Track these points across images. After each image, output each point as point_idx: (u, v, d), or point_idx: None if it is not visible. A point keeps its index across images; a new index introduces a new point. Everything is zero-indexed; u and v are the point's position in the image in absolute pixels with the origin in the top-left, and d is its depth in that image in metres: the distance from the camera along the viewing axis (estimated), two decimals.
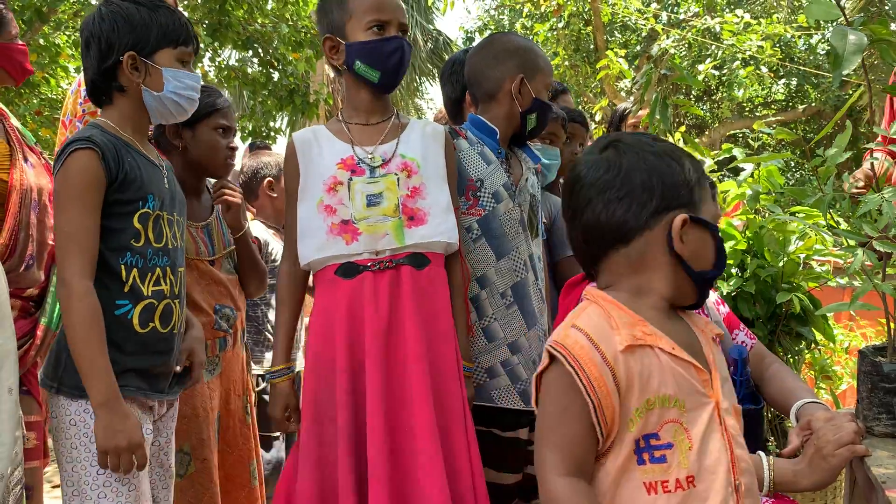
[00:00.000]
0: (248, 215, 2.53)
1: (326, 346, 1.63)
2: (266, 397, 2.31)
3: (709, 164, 2.46)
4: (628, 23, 9.74)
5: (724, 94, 9.83)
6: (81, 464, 1.49)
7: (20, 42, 2.01)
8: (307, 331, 1.75)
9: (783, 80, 11.31)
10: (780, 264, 2.24)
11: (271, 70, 6.78)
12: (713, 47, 8.02)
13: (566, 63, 9.63)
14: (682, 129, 3.08)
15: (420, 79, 16.06)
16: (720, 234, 1.10)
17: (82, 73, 1.78)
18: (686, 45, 8.16)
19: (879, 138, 2.35)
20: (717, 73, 8.53)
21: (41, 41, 6.39)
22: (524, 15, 10.20)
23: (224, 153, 1.99)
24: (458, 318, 1.72)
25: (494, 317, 1.80)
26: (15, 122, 1.97)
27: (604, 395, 0.98)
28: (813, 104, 10.90)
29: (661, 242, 1.05)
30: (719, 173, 2.56)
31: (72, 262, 1.45)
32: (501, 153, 1.86)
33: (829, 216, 1.53)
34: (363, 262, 1.63)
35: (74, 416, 1.50)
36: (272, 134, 7.40)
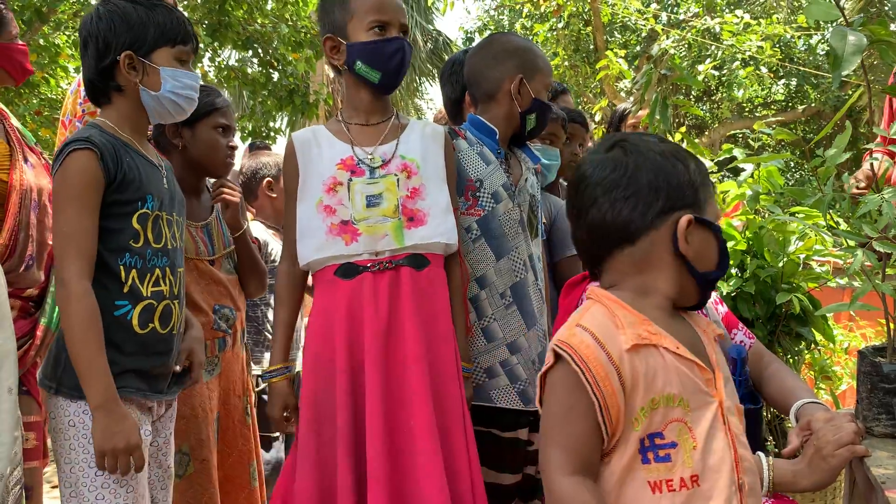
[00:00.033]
0: (248, 215, 2.53)
1: (326, 347, 1.63)
2: (266, 397, 2.31)
3: (708, 164, 2.46)
4: (628, 23, 9.74)
5: (724, 95, 9.83)
6: (79, 465, 1.49)
7: (20, 42, 2.01)
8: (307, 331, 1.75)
9: (783, 81, 11.31)
10: (780, 265, 2.24)
11: (271, 70, 6.78)
12: (713, 48, 8.02)
13: (566, 63, 9.63)
14: (683, 129, 3.08)
15: (420, 79, 16.06)
16: (722, 232, 1.10)
17: (82, 73, 1.78)
18: (686, 46, 8.16)
19: (879, 139, 2.35)
20: (716, 73, 8.53)
21: (41, 41, 6.39)
22: (524, 15, 10.21)
23: (224, 152, 1.99)
24: (457, 318, 1.72)
25: (494, 317, 1.80)
26: (15, 122, 1.97)
27: (609, 395, 0.98)
28: (813, 104, 10.91)
29: (666, 242, 1.05)
30: (719, 174, 2.56)
31: (70, 263, 1.45)
32: (501, 153, 1.86)
33: (828, 217, 1.53)
34: (363, 263, 1.63)
35: (73, 417, 1.50)
36: (272, 134, 7.40)
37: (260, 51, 6.68)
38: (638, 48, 11.14)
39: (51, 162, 1.82)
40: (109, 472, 1.45)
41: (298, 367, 2.49)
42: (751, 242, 2.29)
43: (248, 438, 2.06)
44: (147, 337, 1.55)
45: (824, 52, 9.74)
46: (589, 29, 9.31)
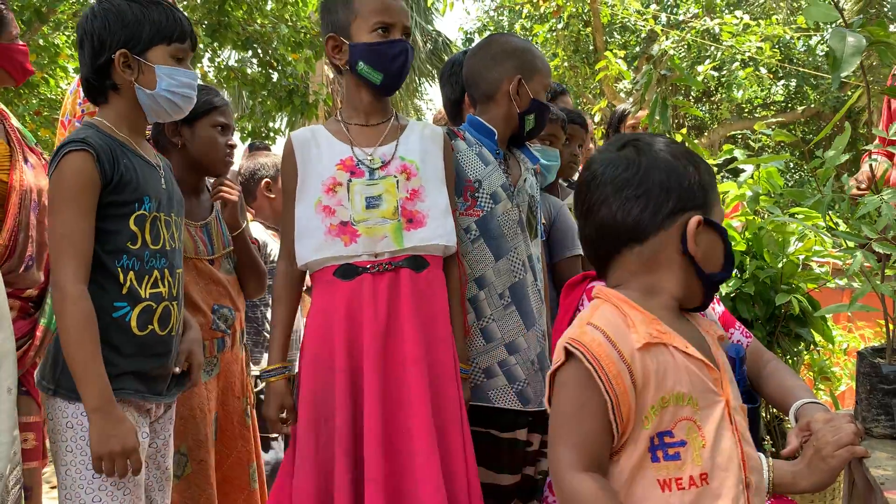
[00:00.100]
0: (248, 216, 2.53)
1: (324, 347, 1.62)
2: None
3: None
4: (627, 24, 9.75)
5: (724, 96, 9.84)
6: (77, 467, 1.48)
7: (20, 42, 2.01)
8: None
9: (782, 82, 11.32)
10: (780, 265, 2.24)
11: (270, 70, 6.78)
12: (712, 48, 8.03)
13: (565, 64, 9.64)
14: (684, 131, 3.08)
15: (419, 80, 16.06)
16: (727, 234, 1.11)
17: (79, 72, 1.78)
18: (685, 47, 8.17)
19: (877, 140, 2.35)
20: (716, 74, 8.54)
21: (40, 41, 6.39)
22: (523, 16, 10.22)
23: (223, 151, 1.99)
24: (455, 319, 1.72)
25: (492, 317, 1.80)
26: (15, 122, 1.97)
27: (621, 393, 0.98)
28: (812, 105, 10.92)
29: (674, 243, 1.06)
30: (719, 175, 2.56)
31: (66, 265, 1.44)
32: (500, 154, 1.87)
33: (828, 218, 1.53)
34: (362, 264, 1.63)
35: (71, 419, 1.49)
36: (271, 134, 7.41)
37: (259, 51, 6.68)
38: (637, 49, 11.15)
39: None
40: (107, 475, 1.45)
41: (297, 367, 2.49)
42: (750, 243, 2.29)
43: (248, 440, 2.05)
44: (146, 338, 1.54)
45: (824, 53, 9.76)
46: (588, 30, 9.32)
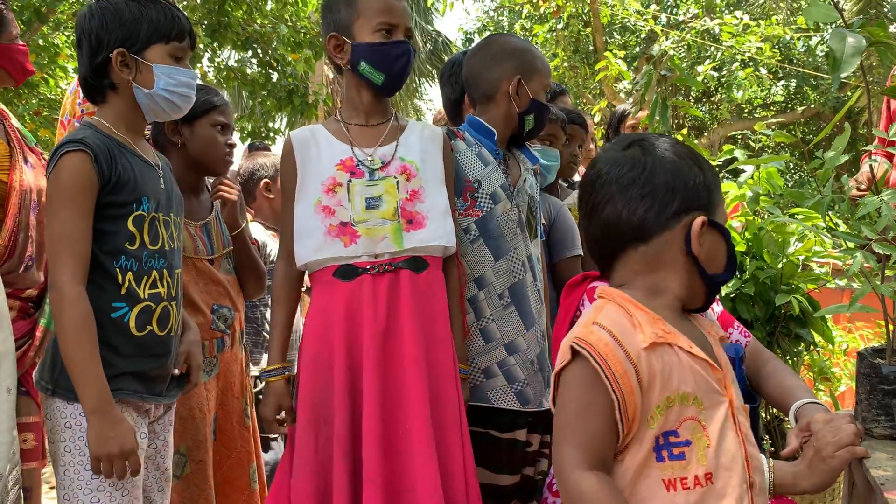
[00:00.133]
0: (248, 216, 2.53)
1: (324, 348, 1.62)
2: None
3: None
4: (627, 24, 9.75)
5: (724, 96, 9.84)
6: (75, 467, 1.48)
7: (20, 42, 2.01)
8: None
9: (782, 82, 11.33)
10: (779, 266, 2.24)
11: (270, 71, 6.78)
12: (712, 49, 8.03)
13: (565, 64, 9.64)
14: (684, 131, 3.08)
15: (419, 80, 16.07)
16: (730, 235, 1.11)
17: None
18: (685, 47, 8.17)
19: (877, 140, 2.35)
20: (716, 74, 8.54)
21: (40, 41, 6.39)
22: (523, 16, 10.22)
23: (222, 149, 2.00)
24: (455, 319, 1.72)
25: (492, 317, 1.80)
26: (15, 122, 1.97)
27: (628, 392, 0.98)
28: (812, 106, 10.93)
29: (679, 243, 1.06)
30: (720, 175, 2.56)
31: (63, 266, 1.43)
32: (499, 154, 1.87)
33: (827, 218, 1.53)
34: (362, 265, 1.63)
35: (70, 419, 1.49)
36: (271, 135, 7.41)
37: (259, 51, 6.69)
38: (637, 49, 11.16)
39: None
40: (105, 476, 1.44)
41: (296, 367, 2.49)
42: (750, 244, 2.29)
43: (248, 440, 2.05)
44: (144, 339, 1.54)
45: (823, 54, 9.76)
46: (588, 30, 9.32)
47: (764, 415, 2.37)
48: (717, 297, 1.75)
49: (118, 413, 1.45)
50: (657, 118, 2.26)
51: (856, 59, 1.31)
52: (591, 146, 3.36)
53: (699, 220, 1.05)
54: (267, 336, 2.63)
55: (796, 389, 1.35)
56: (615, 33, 11.37)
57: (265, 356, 2.54)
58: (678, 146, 1.10)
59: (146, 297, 1.54)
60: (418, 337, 1.61)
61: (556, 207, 2.23)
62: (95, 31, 1.52)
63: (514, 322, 1.80)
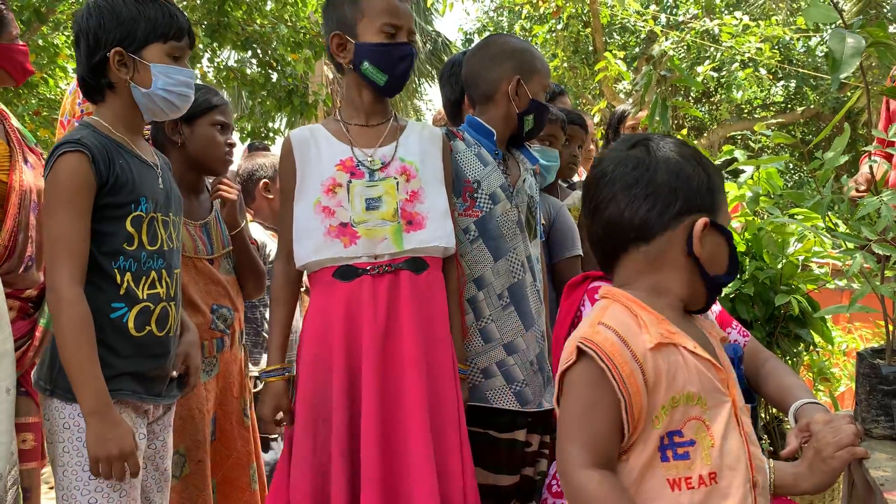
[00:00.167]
0: (248, 216, 2.53)
1: (323, 348, 1.62)
2: None
3: None
4: (627, 25, 9.76)
5: (723, 96, 9.85)
6: (73, 468, 1.47)
7: (20, 42, 2.01)
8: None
9: (782, 83, 11.33)
10: (779, 266, 2.24)
11: (270, 71, 6.79)
12: (712, 49, 8.03)
13: (565, 65, 9.65)
14: (684, 131, 3.09)
15: (419, 80, 16.07)
16: (732, 238, 1.11)
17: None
18: (685, 47, 8.17)
19: (876, 141, 2.36)
20: (715, 74, 8.55)
21: (40, 41, 6.39)
22: (523, 16, 10.22)
23: (222, 149, 2.00)
24: (454, 320, 1.72)
25: (491, 318, 1.80)
26: (15, 122, 1.97)
27: (634, 392, 0.99)
28: (811, 106, 10.93)
29: (680, 244, 1.06)
30: None
31: (61, 268, 1.43)
32: (499, 154, 1.86)
33: (827, 219, 1.53)
34: (362, 266, 1.63)
35: (68, 420, 1.48)
36: (271, 135, 7.41)
37: (259, 51, 6.69)
38: (637, 50, 11.16)
39: None
40: (104, 478, 1.44)
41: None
42: (750, 244, 2.29)
43: (248, 440, 2.05)
44: (143, 339, 1.53)
45: (823, 54, 9.77)
46: (588, 30, 9.32)
47: (763, 415, 2.37)
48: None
49: (117, 415, 1.45)
50: (657, 119, 2.26)
51: (855, 60, 1.31)
52: (591, 146, 3.37)
53: (701, 221, 1.05)
54: (266, 336, 2.62)
55: (795, 389, 1.36)
56: (615, 34, 11.37)
57: (265, 356, 2.54)
58: (683, 147, 1.11)
59: (145, 297, 1.53)
60: (418, 337, 1.61)
61: (555, 208, 2.23)
62: (93, 29, 1.51)
63: (513, 322, 1.80)
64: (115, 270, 1.50)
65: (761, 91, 11.55)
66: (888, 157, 2.38)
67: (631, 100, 4.13)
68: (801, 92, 11.34)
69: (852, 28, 1.36)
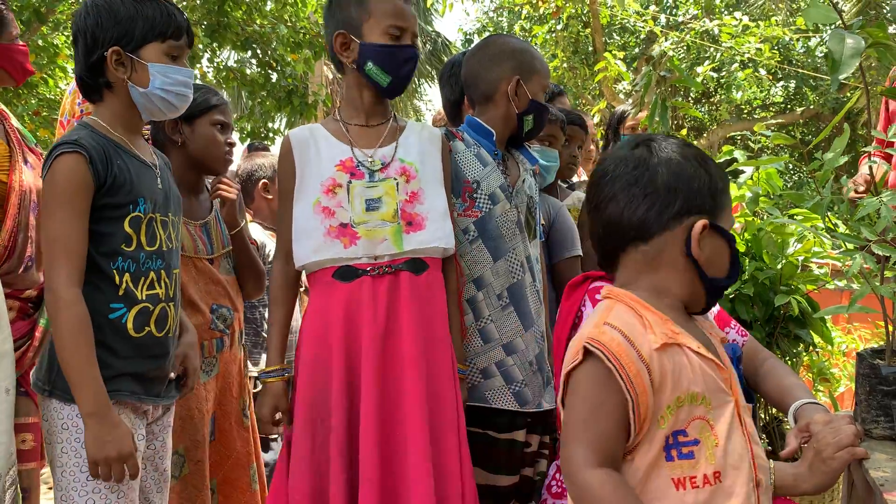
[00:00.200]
0: (247, 216, 2.53)
1: (321, 348, 1.62)
2: None
3: None
4: (627, 25, 9.76)
5: (723, 97, 9.85)
6: (70, 469, 1.47)
7: (20, 42, 2.01)
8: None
9: (781, 83, 11.33)
10: (779, 267, 2.24)
11: (270, 71, 6.79)
12: (711, 50, 8.03)
13: (564, 65, 9.65)
14: (683, 132, 3.09)
15: (419, 81, 16.08)
16: (735, 242, 1.11)
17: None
18: (684, 48, 8.17)
19: (875, 141, 2.36)
20: (715, 75, 8.55)
21: (39, 42, 6.39)
22: (523, 17, 10.22)
23: (222, 148, 2.00)
24: (453, 320, 1.72)
25: (490, 318, 1.80)
26: (15, 122, 1.97)
27: (641, 392, 0.99)
28: (811, 107, 10.93)
29: (679, 245, 1.07)
30: None
31: (59, 269, 1.42)
32: (498, 155, 1.87)
33: (827, 219, 1.53)
34: (362, 267, 1.63)
35: (67, 421, 1.48)
36: (270, 135, 7.41)
37: (259, 51, 6.69)
38: (637, 50, 11.16)
39: None
40: (103, 480, 1.44)
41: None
42: (749, 244, 2.29)
43: (247, 440, 2.05)
44: (142, 340, 1.53)
45: (823, 55, 9.77)
46: (588, 31, 9.32)
47: (763, 415, 2.38)
48: None
49: (116, 416, 1.45)
50: (656, 119, 2.26)
51: (855, 61, 1.31)
52: (592, 147, 3.37)
53: (700, 223, 1.05)
54: (266, 336, 2.62)
55: (795, 389, 1.36)
56: (614, 34, 11.37)
57: (264, 356, 2.54)
58: (687, 148, 1.11)
59: (144, 298, 1.53)
60: (417, 338, 1.61)
61: (555, 208, 2.23)
62: (90, 28, 1.50)
63: (512, 322, 1.80)
64: (114, 271, 1.50)
65: (761, 91, 11.56)
66: (887, 158, 2.38)
67: (630, 100, 4.13)
68: (801, 92, 11.34)
69: (852, 29, 1.36)
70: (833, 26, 1.39)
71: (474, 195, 1.82)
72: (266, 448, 2.57)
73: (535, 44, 9.06)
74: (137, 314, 1.52)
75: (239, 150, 3.08)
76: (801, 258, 2.27)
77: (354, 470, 1.57)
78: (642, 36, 10.78)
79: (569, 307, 1.49)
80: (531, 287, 1.85)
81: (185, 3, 6.09)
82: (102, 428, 1.41)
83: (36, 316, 1.95)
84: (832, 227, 1.58)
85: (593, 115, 7.11)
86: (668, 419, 1.01)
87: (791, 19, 9.20)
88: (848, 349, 3.04)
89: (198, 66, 6.66)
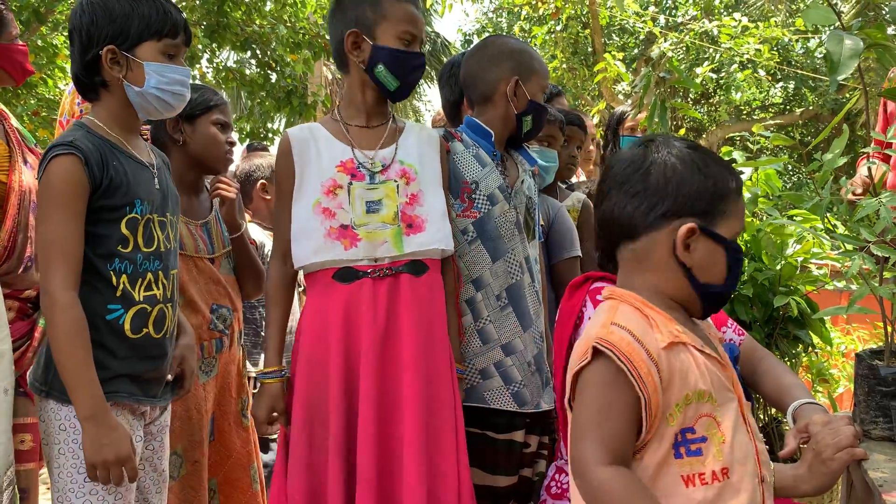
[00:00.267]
0: (246, 216, 2.53)
1: (319, 349, 1.62)
2: None
3: None
4: (626, 26, 9.77)
5: (722, 98, 9.86)
6: (67, 470, 1.46)
7: (20, 42, 2.01)
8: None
9: (780, 84, 11.34)
10: (778, 267, 2.25)
11: (269, 71, 6.79)
12: (711, 50, 8.03)
13: (564, 66, 9.65)
14: (682, 131, 3.09)
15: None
16: (738, 251, 1.10)
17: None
18: (684, 49, 8.18)
19: (874, 142, 2.36)
20: (714, 76, 8.55)
21: (39, 42, 6.39)
22: (522, 17, 10.22)
23: (223, 147, 1.99)
24: (450, 320, 1.72)
25: (489, 318, 1.80)
26: (15, 122, 1.97)
27: (652, 391, 1.00)
28: (810, 108, 10.94)
29: (666, 246, 1.07)
30: None
31: (55, 272, 1.41)
32: (497, 155, 1.86)
33: (826, 220, 1.53)
34: (362, 269, 1.62)
35: (64, 422, 1.47)
36: (269, 135, 7.41)
37: (258, 52, 6.69)
38: (636, 51, 11.16)
39: None
40: (102, 483, 1.43)
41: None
42: (749, 245, 2.29)
43: (247, 441, 2.05)
44: (140, 341, 1.52)
45: (822, 56, 9.77)
46: (587, 31, 9.33)
47: (762, 416, 2.38)
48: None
49: (113, 419, 1.44)
50: (655, 120, 2.27)
51: (853, 62, 1.31)
52: (591, 147, 3.37)
53: (685, 227, 1.05)
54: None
55: (793, 388, 1.36)
56: (614, 35, 11.38)
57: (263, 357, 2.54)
58: (691, 151, 1.10)
59: (141, 299, 1.52)
60: (417, 340, 1.61)
61: (554, 209, 2.23)
62: (86, 27, 1.49)
63: (511, 323, 1.80)
64: (111, 272, 1.49)
65: (760, 92, 11.56)
66: (886, 159, 2.38)
67: (630, 101, 4.13)
68: (800, 93, 11.35)
69: (851, 30, 1.36)
70: (832, 27, 1.39)
71: (473, 196, 1.81)
72: (265, 449, 2.57)
73: (535, 44, 9.07)
74: (135, 315, 1.51)
75: (238, 150, 3.08)
76: (800, 259, 2.27)
77: (352, 471, 1.57)
78: (641, 37, 10.78)
79: (570, 308, 1.48)
80: (530, 288, 1.85)
81: (184, 3, 6.09)
82: (100, 431, 1.41)
83: (35, 316, 1.94)
84: (831, 227, 1.59)
85: (593, 116, 7.12)
86: (676, 416, 1.02)
87: (790, 20, 9.21)
88: (847, 350, 3.04)
89: (197, 66, 6.66)
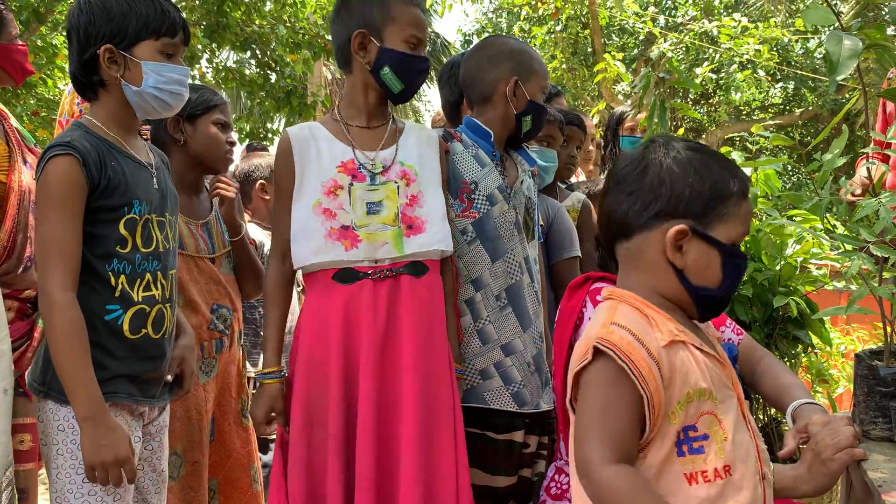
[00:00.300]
0: (246, 216, 2.52)
1: (319, 349, 1.62)
2: None
3: None
4: (626, 26, 9.77)
5: (722, 98, 9.86)
6: (66, 471, 1.46)
7: (20, 42, 2.01)
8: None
9: (780, 84, 11.35)
10: (778, 268, 2.25)
11: (269, 71, 6.79)
12: (710, 51, 8.04)
13: (563, 66, 9.65)
14: (681, 131, 3.09)
15: None
16: (736, 255, 1.09)
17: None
18: (683, 49, 8.18)
19: (873, 143, 2.36)
20: (714, 76, 8.56)
21: (38, 42, 6.39)
22: (522, 18, 10.22)
23: (224, 147, 2.00)
24: (449, 320, 1.72)
25: (489, 319, 1.80)
26: (15, 123, 1.97)
27: (654, 389, 1.00)
28: (810, 108, 10.95)
29: (658, 246, 1.08)
30: None
31: (53, 272, 1.41)
32: (496, 155, 1.86)
33: (826, 220, 1.53)
34: (363, 269, 1.62)
35: (63, 422, 1.47)
36: (269, 135, 7.41)
37: (258, 52, 6.69)
38: (636, 51, 11.17)
39: None
40: (100, 484, 1.43)
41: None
42: (748, 245, 2.29)
43: (247, 441, 2.04)
44: (139, 342, 1.51)
45: (822, 56, 9.78)
46: (587, 32, 9.33)
47: (761, 416, 2.38)
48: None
49: (112, 420, 1.43)
50: (655, 120, 2.26)
51: (853, 62, 1.31)
52: (591, 147, 3.37)
53: (675, 228, 1.05)
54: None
55: (792, 388, 1.36)
56: (613, 35, 11.38)
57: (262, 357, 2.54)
58: (691, 153, 1.10)
59: (140, 299, 1.51)
60: (417, 340, 1.61)
61: (553, 209, 2.23)
62: (83, 26, 1.48)
63: (510, 323, 1.80)
64: (109, 273, 1.48)
65: (760, 93, 11.57)
66: (885, 159, 2.38)
67: (629, 101, 4.13)
68: (800, 94, 11.36)
69: (850, 30, 1.36)
70: (831, 28, 1.40)
71: (472, 196, 1.81)
72: (265, 449, 2.57)
73: (534, 45, 9.07)
74: (133, 316, 1.51)
75: (238, 151, 3.08)
76: (799, 259, 2.27)
77: (351, 471, 1.57)
78: (641, 37, 10.79)
79: (570, 308, 1.48)
80: (529, 288, 1.85)
81: (183, 3, 6.09)
82: (98, 432, 1.40)
83: (34, 316, 1.94)
84: (831, 228, 1.59)
85: (592, 116, 7.12)
86: (678, 415, 1.02)
87: (790, 20, 9.21)
88: (846, 350, 3.04)
89: (197, 66, 6.66)
